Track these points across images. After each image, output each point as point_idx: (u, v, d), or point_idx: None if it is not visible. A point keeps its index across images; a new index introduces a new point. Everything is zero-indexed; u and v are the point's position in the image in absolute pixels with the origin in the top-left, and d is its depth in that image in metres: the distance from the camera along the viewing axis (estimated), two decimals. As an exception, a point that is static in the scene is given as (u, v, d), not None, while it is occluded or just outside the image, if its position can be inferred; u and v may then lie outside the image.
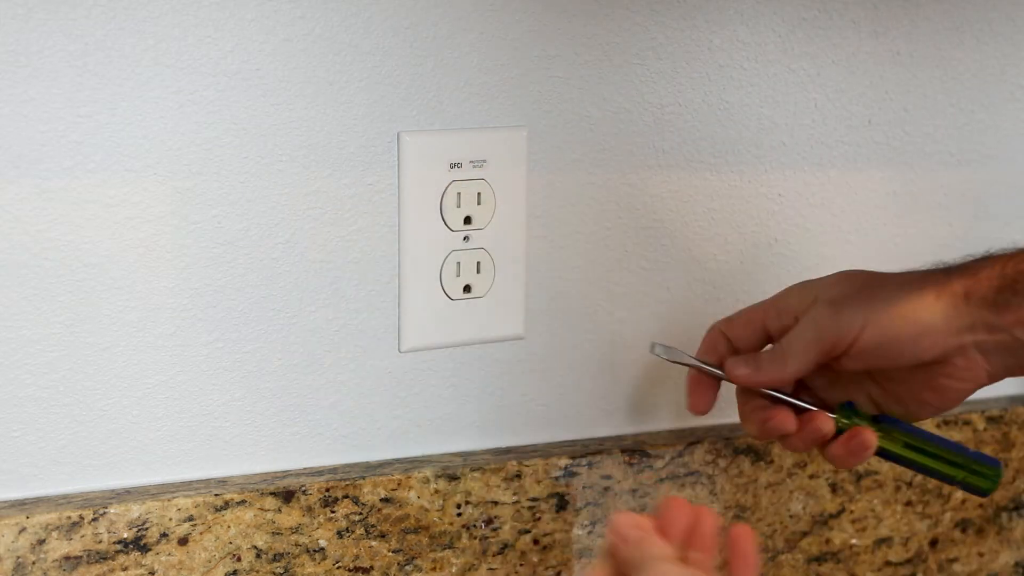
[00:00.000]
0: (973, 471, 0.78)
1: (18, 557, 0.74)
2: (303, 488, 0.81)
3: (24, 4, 0.71)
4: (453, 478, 0.84)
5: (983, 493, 0.79)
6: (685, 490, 0.92)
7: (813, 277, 0.79)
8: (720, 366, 0.79)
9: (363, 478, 0.82)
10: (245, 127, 0.77)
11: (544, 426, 0.90)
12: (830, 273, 0.78)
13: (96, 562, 0.76)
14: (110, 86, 0.73)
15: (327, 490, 0.81)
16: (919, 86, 0.95)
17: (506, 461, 0.86)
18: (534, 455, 0.87)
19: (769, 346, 0.79)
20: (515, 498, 0.86)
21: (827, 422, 0.77)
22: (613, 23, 0.84)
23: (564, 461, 0.87)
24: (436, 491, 0.84)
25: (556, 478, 0.87)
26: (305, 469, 0.83)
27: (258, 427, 0.82)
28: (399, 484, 0.83)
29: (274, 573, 0.81)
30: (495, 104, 0.83)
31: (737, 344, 0.79)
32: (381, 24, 0.79)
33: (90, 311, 0.76)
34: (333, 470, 0.83)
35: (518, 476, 0.86)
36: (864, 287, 0.75)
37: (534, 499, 0.87)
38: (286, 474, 0.82)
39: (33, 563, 0.75)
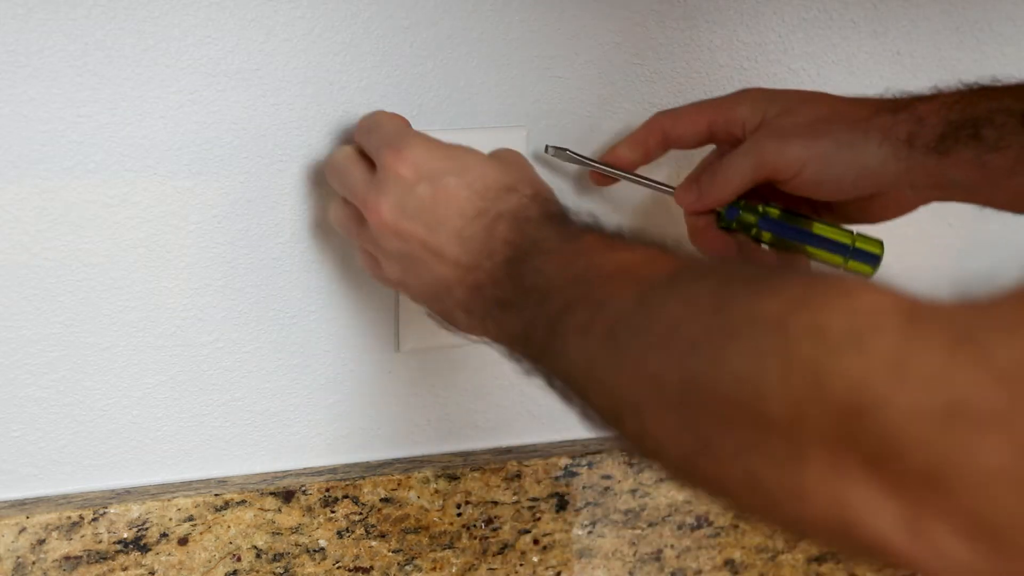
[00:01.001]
0: (856, 253, 0.80)
1: (18, 557, 0.74)
2: (303, 488, 0.81)
3: (24, 4, 0.71)
4: (453, 478, 0.84)
5: (869, 276, 0.80)
6: (685, 490, 0.92)
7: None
8: (628, 168, 0.81)
9: (363, 478, 0.82)
10: (245, 127, 0.77)
11: (544, 426, 0.90)
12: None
13: (96, 562, 0.76)
14: (110, 86, 0.73)
15: (327, 490, 0.81)
16: (919, 86, 0.95)
17: (506, 461, 0.86)
18: (534, 455, 0.87)
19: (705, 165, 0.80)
20: (515, 498, 0.86)
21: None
22: (613, 23, 0.84)
23: (564, 461, 0.87)
24: (436, 491, 0.84)
25: (556, 478, 0.87)
26: (305, 469, 0.83)
27: (258, 427, 0.82)
28: (399, 484, 0.83)
29: (274, 573, 0.81)
30: (495, 104, 0.83)
31: (676, 142, 0.80)
32: (381, 24, 0.79)
33: (90, 311, 0.76)
34: (333, 470, 0.83)
35: (518, 476, 0.86)
36: (815, 122, 0.76)
37: (534, 499, 0.87)
38: (286, 474, 0.82)
39: (33, 563, 0.75)
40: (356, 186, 0.70)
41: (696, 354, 0.50)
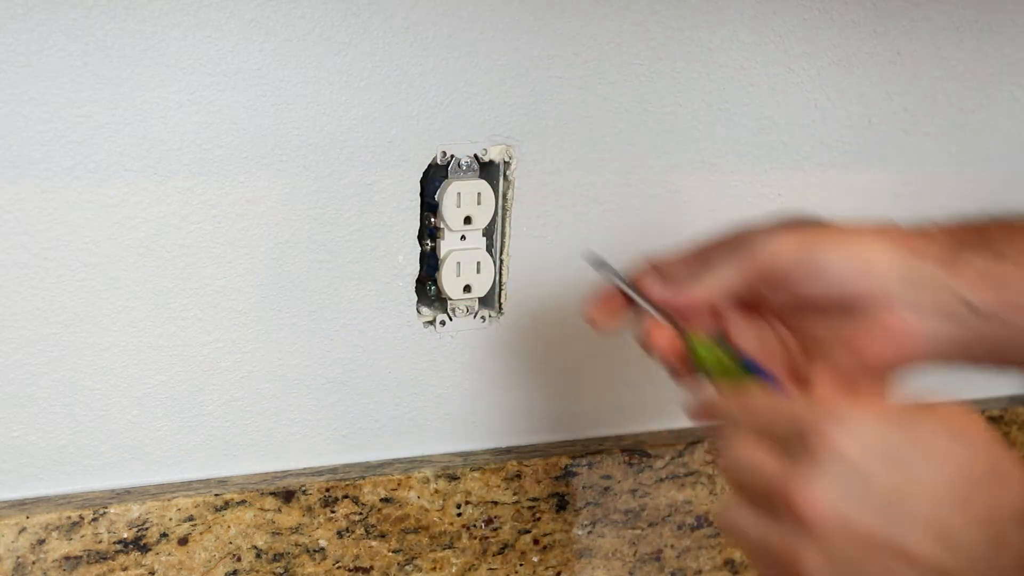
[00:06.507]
0: None
1: (18, 557, 0.74)
2: (303, 488, 0.81)
3: (24, 4, 0.71)
4: (453, 478, 0.84)
5: None
6: (685, 490, 0.92)
7: None
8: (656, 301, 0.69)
9: (363, 478, 0.82)
10: (245, 127, 0.77)
11: (544, 426, 0.90)
12: None
13: (96, 562, 0.76)
14: (110, 86, 0.73)
15: (327, 490, 0.81)
16: (919, 86, 0.95)
17: (506, 461, 0.86)
18: (534, 455, 0.87)
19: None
20: (515, 498, 0.86)
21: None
22: (613, 23, 0.84)
23: (564, 461, 0.87)
24: (436, 491, 0.84)
25: (556, 478, 0.87)
26: (305, 469, 0.83)
27: (258, 427, 0.82)
28: (399, 484, 0.83)
29: (274, 573, 0.81)
30: (495, 104, 0.83)
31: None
32: (381, 24, 0.79)
33: (90, 311, 0.76)
34: (333, 470, 0.83)
35: (518, 476, 0.86)
36: (811, 224, 0.67)
37: (534, 499, 0.87)
38: (286, 474, 0.82)
39: (33, 563, 0.75)
40: (769, 477, 0.57)
41: None
